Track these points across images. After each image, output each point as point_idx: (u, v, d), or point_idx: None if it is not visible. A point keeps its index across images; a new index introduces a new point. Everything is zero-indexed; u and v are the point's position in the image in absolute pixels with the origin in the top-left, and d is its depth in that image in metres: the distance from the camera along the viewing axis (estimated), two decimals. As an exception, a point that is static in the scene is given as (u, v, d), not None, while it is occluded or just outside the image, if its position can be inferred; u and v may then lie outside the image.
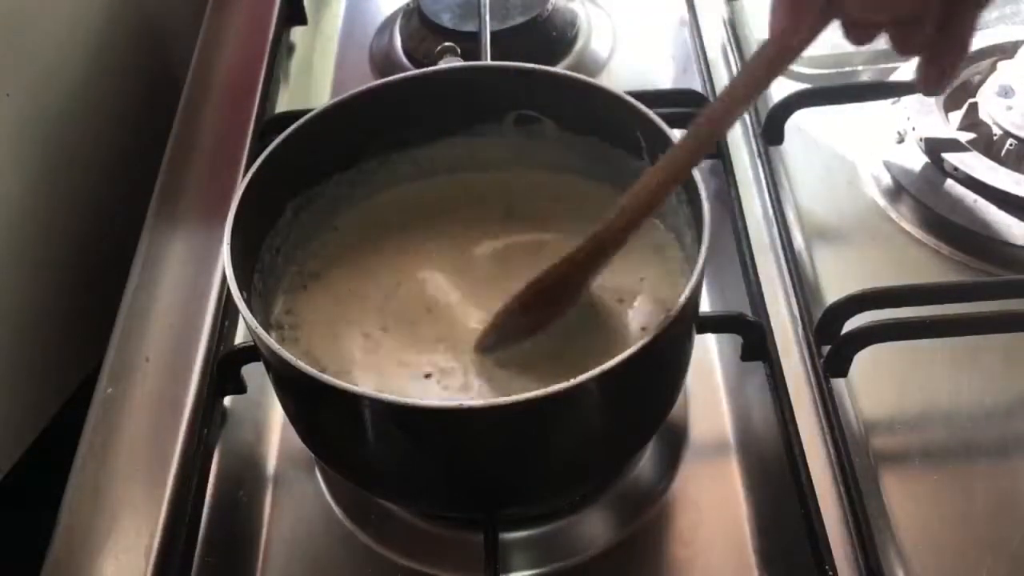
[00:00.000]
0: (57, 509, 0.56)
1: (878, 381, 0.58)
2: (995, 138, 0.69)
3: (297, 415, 0.52)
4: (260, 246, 0.55)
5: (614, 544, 0.54)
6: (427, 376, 0.52)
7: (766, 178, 0.69)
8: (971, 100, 0.70)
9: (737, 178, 0.68)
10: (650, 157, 0.55)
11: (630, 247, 0.56)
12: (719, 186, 0.68)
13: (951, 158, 0.68)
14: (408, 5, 0.86)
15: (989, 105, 0.70)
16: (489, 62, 0.72)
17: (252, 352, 0.58)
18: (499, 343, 0.52)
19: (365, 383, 0.51)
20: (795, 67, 0.80)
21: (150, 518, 0.55)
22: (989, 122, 0.69)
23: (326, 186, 0.59)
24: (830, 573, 0.48)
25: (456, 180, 0.61)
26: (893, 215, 0.68)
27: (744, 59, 0.79)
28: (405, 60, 0.82)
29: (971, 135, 0.69)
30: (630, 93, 0.55)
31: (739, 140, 0.73)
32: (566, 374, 0.42)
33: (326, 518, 0.56)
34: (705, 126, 0.46)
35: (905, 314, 0.57)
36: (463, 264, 0.57)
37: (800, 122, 0.73)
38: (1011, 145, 0.68)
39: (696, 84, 0.76)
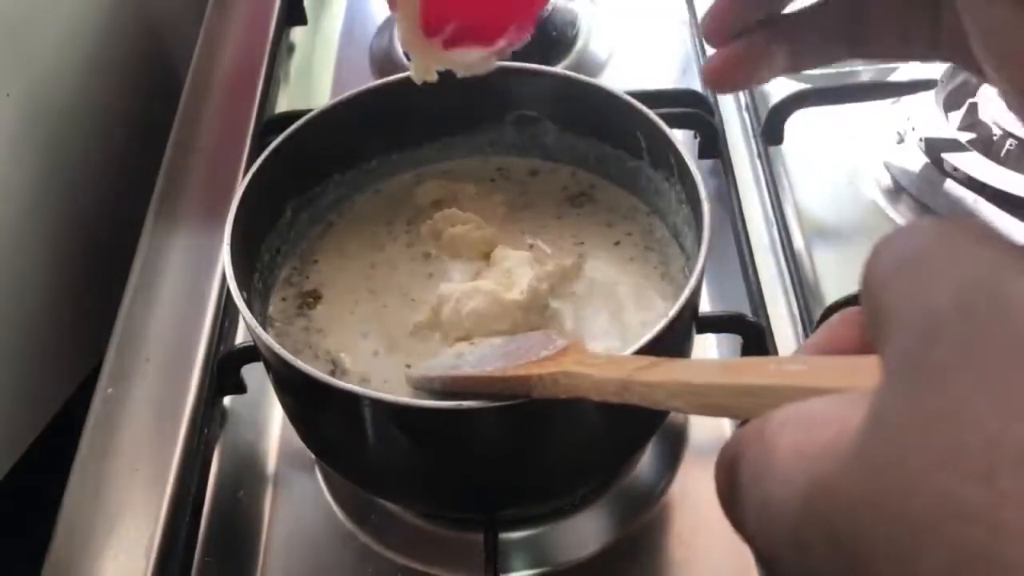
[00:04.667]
0: (57, 509, 0.56)
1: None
2: (995, 138, 0.69)
3: (297, 415, 0.52)
4: (260, 246, 0.55)
5: (614, 544, 0.54)
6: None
7: (766, 178, 0.69)
8: (971, 100, 0.70)
9: (737, 178, 0.68)
10: (650, 157, 0.55)
11: (630, 247, 0.57)
12: (719, 186, 0.69)
13: (951, 158, 0.68)
14: (408, 5, 0.86)
15: (989, 105, 0.70)
16: (489, 62, 0.72)
17: (252, 352, 0.58)
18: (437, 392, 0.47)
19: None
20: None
21: (150, 518, 0.55)
22: (989, 122, 0.69)
23: (326, 186, 0.59)
24: (830, 573, 0.48)
25: (456, 180, 0.61)
26: (893, 215, 0.68)
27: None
28: (405, 60, 0.82)
29: (971, 135, 0.69)
30: (630, 93, 0.55)
31: (739, 140, 0.73)
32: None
33: (326, 518, 0.56)
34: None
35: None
36: (461, 266, 0.57)
37: (800, 122, 0.73)
38: (1011, 145, 0.68)
39: (696, 84, 0.76)
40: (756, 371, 0.26)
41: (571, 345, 0.41)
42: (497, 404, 0.42)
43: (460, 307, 0.51)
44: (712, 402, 0.28)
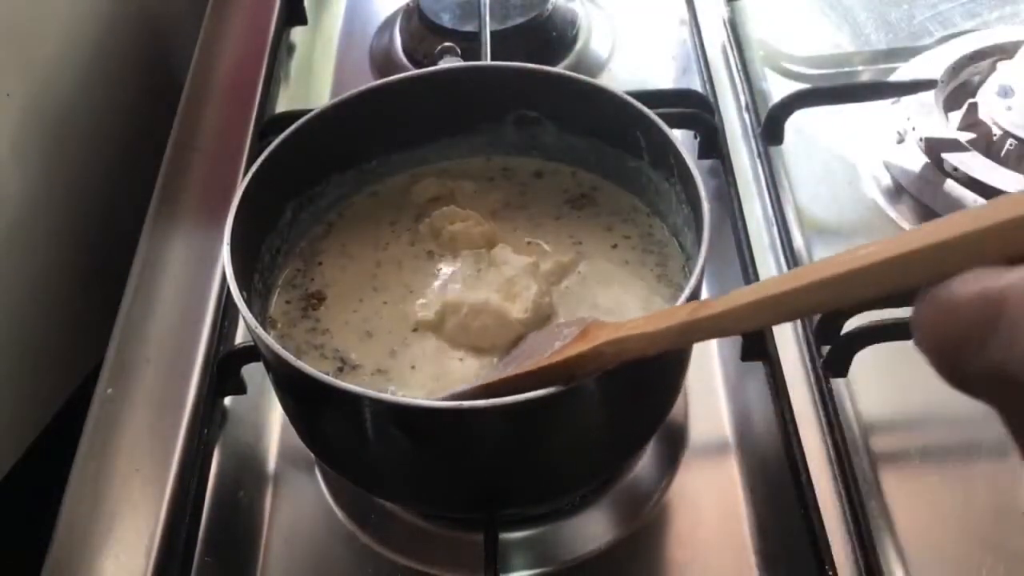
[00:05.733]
0: (57, 509, 0.56)
1: (878, 381, 0.58)
2: (995, 138, 0.68)
3: (297, 415, 0.52)
4: (260, 246, 0.55)
5: (614, 544, 0.54)
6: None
7: (766, 178, 0.69)
8: (971, 100, 0.70)
9: (737, 178, 0.68)
10: (650, 157, 0.55)
11: (627, 249, 0.57)
12: (719, 186, 0.69)
13: (951, 158, 0.68)
14: (408, 5, 0.86)
15: (989, 105, 0.69)
16: (489, 62, 0.72)
17: (252, 352, 0.58)
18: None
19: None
20: (795, 67, 0.80)
21: (150, 518, 0.55)
22: (989, 122, 0.69)
23: (326, 186, 0.59)
24: (830, 573, 0.48)
25: (456, 180, 0.61)
26: (893, 215, 0.68)
27: (744, 59, 0.79)
28: (405, 60, 0.82)
29: (971, 135, 0.69)
30: (630, 93, 0.55)
31: (739, 140, 0.73)
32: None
33: (326, 518, 0.56)
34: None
35: (905, 314, 0.57)
36: (464, 264, 0.57)
37: (800, 122, 0.73)
38: (1011, 145, 0.68)
39: (696, 84, 0.76)
40: (828, 265, 0.28)
41: (589, 326, 0.41)
42: (496, 404, 0.42)
43: (468, 322, 0.52)
44: (790, 308, 0.30)
